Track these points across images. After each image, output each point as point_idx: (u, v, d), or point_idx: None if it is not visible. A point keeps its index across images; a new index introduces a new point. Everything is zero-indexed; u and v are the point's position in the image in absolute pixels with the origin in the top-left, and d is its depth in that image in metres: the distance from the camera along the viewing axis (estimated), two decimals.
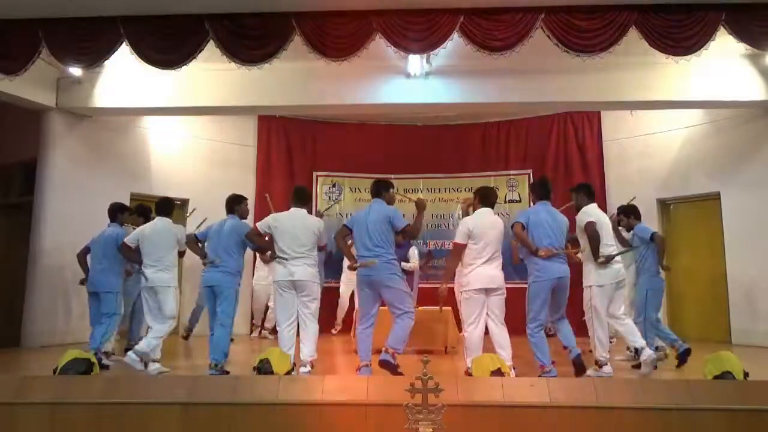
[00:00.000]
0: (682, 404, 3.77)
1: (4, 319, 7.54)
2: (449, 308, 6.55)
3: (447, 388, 3.57)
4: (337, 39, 5.50)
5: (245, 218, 5.69)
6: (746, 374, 4.05)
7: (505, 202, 9.30)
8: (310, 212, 5.67)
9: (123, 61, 5.92)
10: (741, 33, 5.37)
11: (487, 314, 4.78)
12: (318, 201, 9.41)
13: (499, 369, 4.08)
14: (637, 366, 5.18)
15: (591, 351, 5.11)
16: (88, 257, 5.97)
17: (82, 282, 5.95)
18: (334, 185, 9.56)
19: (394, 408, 3.39)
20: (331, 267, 8.27)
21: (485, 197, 5.09)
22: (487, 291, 4.77)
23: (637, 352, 5.16)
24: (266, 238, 5.26)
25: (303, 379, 4.23)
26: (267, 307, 8.16)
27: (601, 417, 3.77)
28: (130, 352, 5.05)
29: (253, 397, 3.92)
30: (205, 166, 8.81)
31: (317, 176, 9.51)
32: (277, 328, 5.06)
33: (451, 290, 6.03)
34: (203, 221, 6.09)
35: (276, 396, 3.90)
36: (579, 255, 5.08)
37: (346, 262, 5.23)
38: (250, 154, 9.28)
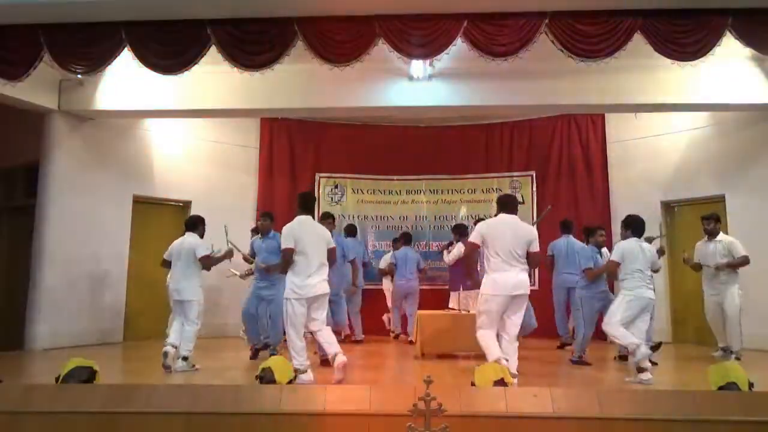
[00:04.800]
0: (687, 415, 3.75)
1: (8, 321, 7.56)
2: None
3: (450, 399, 3.58)
4: (339, 44, 5.47)
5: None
6: (751, 385, 4.02)
7: None
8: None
9: (125, 63, 5.89)
10: (747, 38, 5.32)
11: None
12: (320, 202, 9.40)
13: (502, 379, 4.07)
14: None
15: None
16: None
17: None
18: (336, 186, 9.55)
19: (397, 419, 3.39)
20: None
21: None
22: None
23: None
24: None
25: (305, 389, 4.22)
26: None
27: (605, 428, 3.76)
28: None
29: (255, 406, 3.91)
30: (208, 168, 8.80)
31: (320, 177, 9.50)
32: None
33: None
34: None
35: (278, 406, 3.89)
36: None
37: None
38: (253, 155, 9.28)
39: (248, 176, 9.16)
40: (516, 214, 4.99)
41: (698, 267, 6.61)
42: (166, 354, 5.48)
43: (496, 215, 5.14)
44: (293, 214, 5.24)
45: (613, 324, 5.21)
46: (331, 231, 5.87)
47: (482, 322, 4.87)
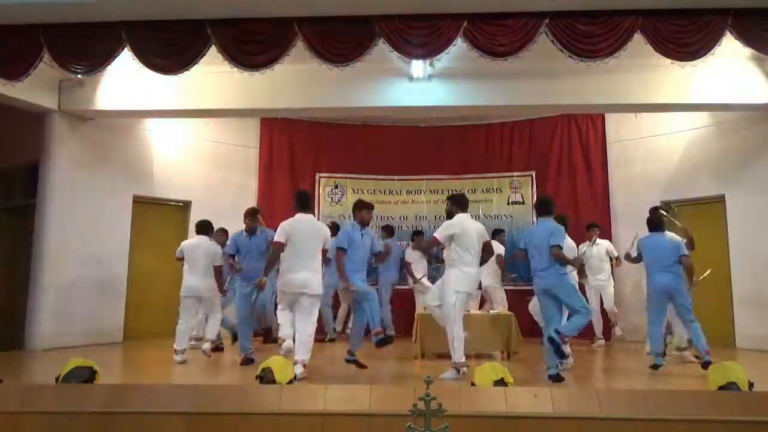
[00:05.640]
0: (687, 415, 3.75)
1: (7, 321, 7.56)
2: (512, 314, 6.56)
3: (450, 399, 3.58)
4: (339, 44, 5.46)
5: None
6: (751, 385, 4.02)
7: (509, 204, 9.29)
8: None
9: (125, 63, 5.89)
10: (747, 37, 5.31)
11: None
12: (321, 202, 9.41)
13: (502, 379, 4.07)
14: None
15: None
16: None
17: None
18: (336, 186, 9.55)
19: (397, 419, 3.40)
20: None
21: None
22: None
23: None
24: None
25: (305, 389, 4.22)
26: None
27: (605, 428, 3.76)
28: None
29: (255, 406, 3.92)
30: (208, 168, 8.81)
31: (320, 177, 9.50)
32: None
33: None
34: None
35: (278, 406, 3.89)
36: None
37: None
38: (253, 155, 9.29)
39: (248, 176, 9.16)
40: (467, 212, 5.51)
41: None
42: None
43: (451, 214, 5.50)
44: (293, 213, 5.42)
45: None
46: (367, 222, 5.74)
47: (458, 318, 5.21)
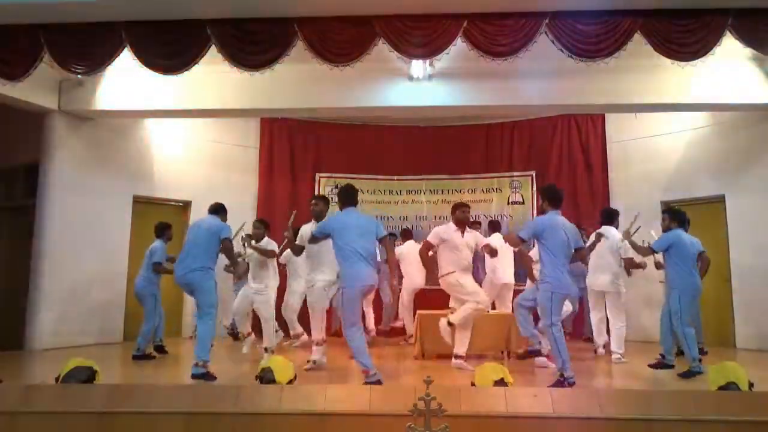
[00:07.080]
0: (687, 415, 3.76)
1: (8, 321, 7.55)
2: (512, 314, 6.54)
3: (450, 399, 3.58)
4: (339, 44, 5.46)
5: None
6: (751, 385, 4.03)
7: (509, 203, 9.29)
8: None
9: (125, 63, 5.89)
10: (747, 38, 5.31)
11: None
12: None
13: (502, 379, 4.07)
14: None
15: None
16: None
17: None
18: (336, 186, 9.53)
19: (397, 419, 3.40)
20: None
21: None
22: None
23: None
24: None
25: (305, 389, 4.22)
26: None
27: (605, 428, 3.76)
28: None
29: (255, 406, 3.92)
30: (208, 168, 8.80)
31: (320, 177, 9.51)
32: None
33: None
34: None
35: (278, 405, 3.90)
36: None
37: None
38: (253, 155, 9.29)
39: (248, 176, 9.16)
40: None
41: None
42: None
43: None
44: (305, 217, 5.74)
45: None
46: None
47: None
